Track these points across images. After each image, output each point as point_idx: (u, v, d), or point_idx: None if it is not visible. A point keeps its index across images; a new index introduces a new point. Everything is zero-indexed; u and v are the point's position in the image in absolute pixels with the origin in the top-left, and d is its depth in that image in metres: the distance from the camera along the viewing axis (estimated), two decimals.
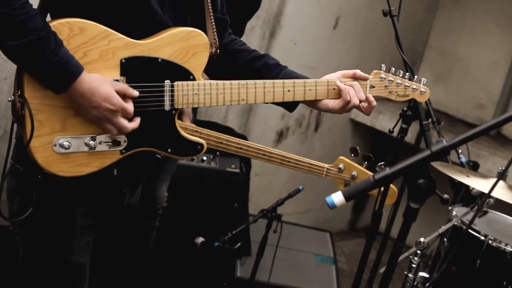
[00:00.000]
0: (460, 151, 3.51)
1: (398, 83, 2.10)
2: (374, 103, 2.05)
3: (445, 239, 3.05)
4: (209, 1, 1.96)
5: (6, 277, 2.92)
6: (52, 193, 1.85)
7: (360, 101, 2.02)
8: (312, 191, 4.51)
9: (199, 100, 1.89)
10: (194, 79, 1.87)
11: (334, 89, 2.02)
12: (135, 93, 1.79)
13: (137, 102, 1.80)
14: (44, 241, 1.90)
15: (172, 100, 1.86)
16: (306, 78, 2.02)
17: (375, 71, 2.08)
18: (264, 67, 2.04)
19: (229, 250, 3.30)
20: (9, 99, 1.72)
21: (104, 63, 1.77)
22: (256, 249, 3.28)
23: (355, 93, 2.01)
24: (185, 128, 1.95)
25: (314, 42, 4.76)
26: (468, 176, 2.67)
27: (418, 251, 2.67)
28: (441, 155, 1.47)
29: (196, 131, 1.99)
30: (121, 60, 1.78)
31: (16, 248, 1.95)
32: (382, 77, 2.07)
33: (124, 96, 1.77)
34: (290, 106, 2.08)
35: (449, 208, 3.14)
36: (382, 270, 1.80)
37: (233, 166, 3.68)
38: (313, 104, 2.05)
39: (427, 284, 2.79)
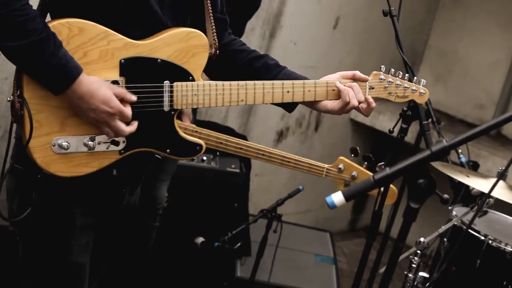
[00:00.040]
0: (460, 151, 3.51)
1: (397, 84, 2.09)
2: (373, 104, 2.05)
3: (445, 239, 3.05)
4: (209, 1, 1.96)
5: (6, 277, 2.92)
6: (51, 193, 1.85)
7: (359, 102, 2.02)
8: (312, 191, 4.51)
9: (198, 101, 1.89)
10: (193, 80, 1.87)
11: (333, 90, 2.02)
12: (133, 98, 1.79)
13: (136, 103, 1.80)
14: (44, 241, 1.90)
15: (171, 101, 1.85)
16: (306, 78, 2.02)
17: (375, 72, 2.08)
18: (264, 68, 2.04)
19: (229, 250, 3.30)
20: (8, 99, 1.72)
21: (104, 64, 1.77)
22: (256, 249, 3.28)
23: (354, 94, 2.01)
24: (185, 128, 1.95)
25: (314, 42, 4.75)
26: (468, 176, 2.67)
27: (418, 251, 2.67)
28: (441, 155, 1.47)
29: (196, 131, 1.99)
30: (120, 61, 1.78)
31: (16, 248, 1.95)
32: (381, 78, 2.07)
33: (122, 100, 1.77)
34: (289, 106, 2.08)
35: (449, 208, 3.13)
36: (382, 270, 1.80)
37: (233, 166, 3.68)
38: (312, 105, 2.05)
39: (427, 284, 2.79)
